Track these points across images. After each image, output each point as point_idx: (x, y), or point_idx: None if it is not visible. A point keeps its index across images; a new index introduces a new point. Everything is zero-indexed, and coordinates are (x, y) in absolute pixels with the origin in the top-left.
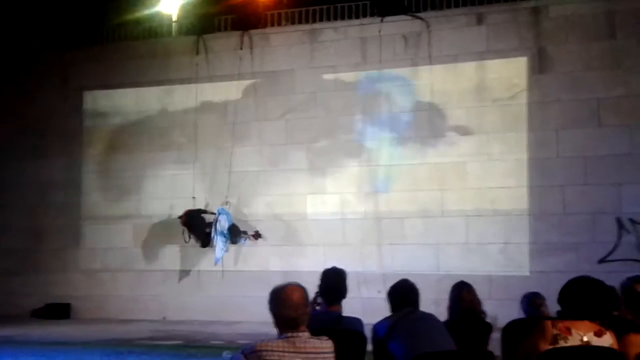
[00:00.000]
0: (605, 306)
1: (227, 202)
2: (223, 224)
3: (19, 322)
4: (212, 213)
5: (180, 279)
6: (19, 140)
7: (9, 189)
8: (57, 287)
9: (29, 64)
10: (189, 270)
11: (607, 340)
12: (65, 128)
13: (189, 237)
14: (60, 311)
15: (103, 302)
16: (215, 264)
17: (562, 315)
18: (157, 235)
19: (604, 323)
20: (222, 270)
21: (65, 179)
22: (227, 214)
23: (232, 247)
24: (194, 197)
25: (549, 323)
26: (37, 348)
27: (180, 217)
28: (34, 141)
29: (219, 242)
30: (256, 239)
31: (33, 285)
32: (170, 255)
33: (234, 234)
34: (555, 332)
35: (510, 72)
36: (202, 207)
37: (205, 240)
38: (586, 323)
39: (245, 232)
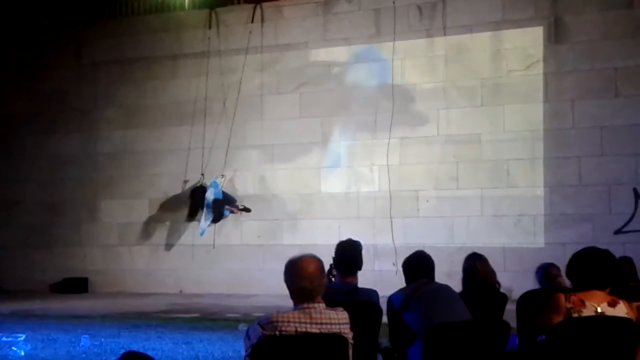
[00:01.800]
0: (614, 275)
1: (222, 175)
2: (209, 196)
3: (38, 296)
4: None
5: (196, 253)
6: (34, 115)
7: (26, 165)
8: (74, 261)
9: (43, 40)
10: (205, 245)
11: (621, 309)
12: (80, 103)
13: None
14: (78, 285)
15: (120, 276)
16: (201, 235)
17: (574, 288)
18: (172, 209)
19: (616, 292)
20: (238, 244)
21: (81, 154)
22: (216, 186)
23: (249, 222)
24: (202, 174)
25: (561, 297)
26: (56, 321)
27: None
28: (50, 116)
29: (204, 214)
30: (239, 212)
31: (51, 259)
32: (186, 230)
33: (217, 206)
34: (569, 305)
35: (526, 42)
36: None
37: (191, 215)
38: (599, 294)
39: (232, 204)
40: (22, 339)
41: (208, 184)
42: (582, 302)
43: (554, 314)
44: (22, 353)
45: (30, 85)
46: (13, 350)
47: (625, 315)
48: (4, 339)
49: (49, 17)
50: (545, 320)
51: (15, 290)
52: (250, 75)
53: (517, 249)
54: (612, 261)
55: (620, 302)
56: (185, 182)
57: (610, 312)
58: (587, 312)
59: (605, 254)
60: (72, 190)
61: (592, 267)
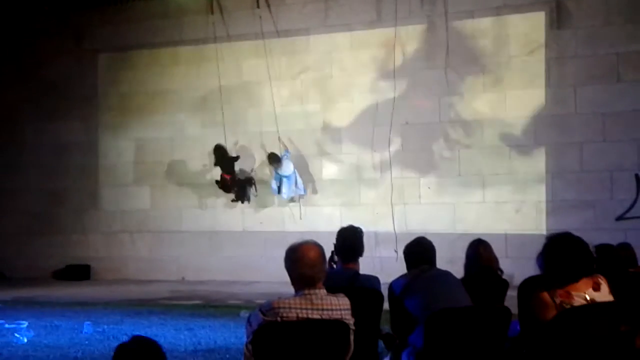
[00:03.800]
0: (592, 263)
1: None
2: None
3: (40, 283)
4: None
5: (198, 240)
6: (36, 102)
7: (28, 152)
8: (77, 248)
9: (44, 27)
10: (207, 232)
11: (605, 290)
12: (82, 90)
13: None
14: (80, 272)
15: (122, 264)
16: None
17: (555, 282)
18: (174, 196)
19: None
20: (240, 231)
21: (83, 141)
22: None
23: (251, 209)
24: (204, 165)
25: (545, 295)
26: (58, 308)
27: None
28: (52, 103)
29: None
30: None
31: (53, 247)
32: (188, 217)
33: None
34: (557, 300)
35: (527, 27)
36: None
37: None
38: (581, 281)
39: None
40: (25, 325)
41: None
42: (569, 294)
43: (544, 311)
44: (25, 340)
45: (31, 72)
46: (16, 336)
47: (609, 296)
48: (7, 325)
49: (49, 4)
50: (538, 317)
51: (18, 278)
52: (251, 61)
53: (518, 235)
54: (586, 248)
55: (601, 280)
56: (187, 168)
57: (598, 296)
58: (576, 301)
59: (578, 240)
60: (74, 177)
61: (573, 256)
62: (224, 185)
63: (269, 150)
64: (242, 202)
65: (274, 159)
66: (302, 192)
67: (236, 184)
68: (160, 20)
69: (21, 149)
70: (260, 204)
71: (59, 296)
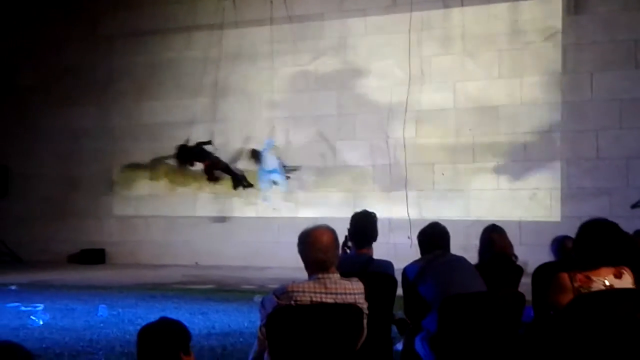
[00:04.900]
0: (624, 251)
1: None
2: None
3: (56, 267)
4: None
5: (211, 225)
6: (51, 88)
7: (43, 137)
8: (91, 233)
9: (59, 13)
10: (220, 217)
11: (627, 280)
12: (97, 75)
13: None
14: (95, 257)
15: (136, 248)
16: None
17: (580, 265)
18: (188, 181)
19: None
20: (254, 217)
21: (97, 126)
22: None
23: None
24: (214, 147)
25: (565, 276)
26: (74, 292)
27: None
28: (66, 89)
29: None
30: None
31: (68, 231)
32: (202, 202)
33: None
34: (576, 284)
35: (544, 13)
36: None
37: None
38: (604, 268)
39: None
40: (40, 308)
41: (236, 155)
42: (589, 278)
43: (561, 293)
44: (41, 322)
45: (46, 58)
46: (32, 319)
47: (631, 286)
48: (23, 308)
49: None
50: (553, 300)
51: (34, 261)
52: (265, 46)
53: (533, 222)
54: (622, 236)
55: (624, 271)
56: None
57: (618, 283)
58: (595, 286)
59: (615, 228)
60: (88, 162)
61: (602, 244)
62: (209, 175)
63: (282, 135)
64: (242, 188)
65: (255, 156)
66: (283, 188)
67: (219, 168)
68: (174, 5)
69: (36, 134)
70: (274, 189)
71: (74, 280)
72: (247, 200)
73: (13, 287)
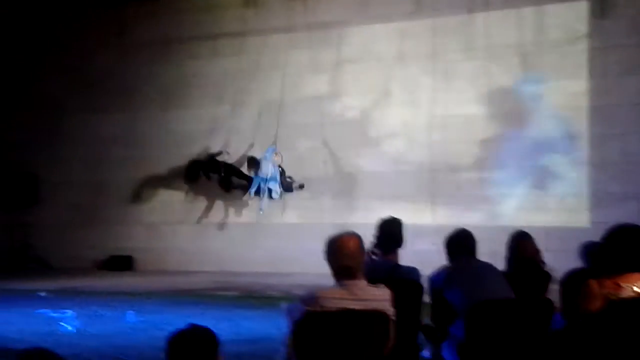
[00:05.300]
0: None
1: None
2: (267, 170)
3: (84, 273)
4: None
5: (236, 231)
6: (80, 96)
7: (71, 145)
8: (119, 239)
9: (87, 21)
10: (246, 223)
11: None
12: (124, 83)
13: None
14: (123, 263)
15: (163, 255)
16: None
17: (607, 271)
18: (213, 188)
19: None
20: (279, 223)
21: (125, 134)
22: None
23: (289, 200)
24: (227, 152)
25: (594, 284)
26: (102, 298)
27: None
28: (95, 96)
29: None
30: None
31: (96, 238)
32: (227, 208)
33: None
34: (604, 291)
35: (570, 17)
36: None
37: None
38: (634, 275)
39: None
40: (70, 314)
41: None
42: (618, 285)
43: (590, 300)
44: (70, 328)
45: (75, 65)
46: (61, 325)
47: None
48: (52, 314)
49: None
50: (582, 307)
51: (63, 268)
52: (289, 53)
53: (560, 228)
54: None
55: None
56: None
57: None
58: (624, 293)
59: None
60: (116, 169)
61: (630, 249)
62: (223, 188)
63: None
64: (257, 196)
65: (252, 163)
66: (276, 196)
67: (233, 174)
68: (200, 13)
69: (64, 141)
70: (300, 195)
71: (103, 286)
72: (271, 206)
73: (43, 294)
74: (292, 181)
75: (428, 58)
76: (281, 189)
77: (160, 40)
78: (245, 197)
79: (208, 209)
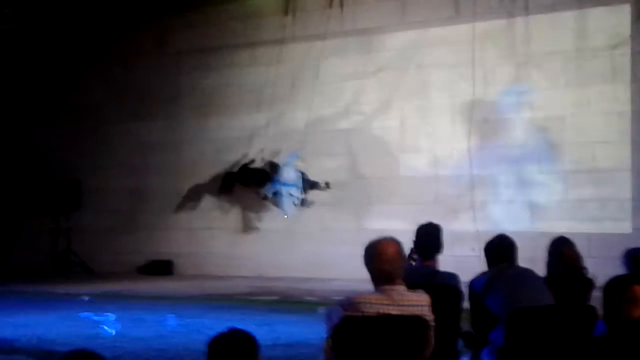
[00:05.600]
0: None
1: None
2: (289, 175)
3: (126, 278)
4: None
5: (275, 236)
6: (120, 104)
7: (112, 152)
8: (159, 244)
9: (128, 31)
10: (284, 228)
11: None
12: (164, 91)
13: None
14: (163, 268)
15: (202, 259)
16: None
17: None
18: (252, 194)
19: None
20: (317, 228)
21: (164, 141)
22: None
23: (328, 207)
24: (257, 158)
25: (638, 290)
26: (143, 302)
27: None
28: (134, 104)
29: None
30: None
31: (137, 243)
32: (266, 214)
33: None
34: None
35: (612, 20)
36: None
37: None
38: None
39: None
40: (112, 318)
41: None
42: None
43: (633, 307)
44: (112, 331)
45: (116, 75)
46: (104, 328)
47: None
48: (95, 318)
49: (133, 8)
50: (626, 313)
51: (104, 272)
52: (328, 60)
53: (602, 234)
54: None
55: None
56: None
57: None
58: None
59: None
60: (156, 176)
61: None
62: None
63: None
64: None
65: (273, 168)
66: (297, 202)
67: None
68: (239, 22)
69: (106, 148)
70: (337, 200)
71: (144, 290)
72: (309, 212)
73: (86, 298)
74: (317, 182)
75: (468, 63)
76: (303, 194)
77: (199, 49)
78: (262, 196)
79: (245, 214)
